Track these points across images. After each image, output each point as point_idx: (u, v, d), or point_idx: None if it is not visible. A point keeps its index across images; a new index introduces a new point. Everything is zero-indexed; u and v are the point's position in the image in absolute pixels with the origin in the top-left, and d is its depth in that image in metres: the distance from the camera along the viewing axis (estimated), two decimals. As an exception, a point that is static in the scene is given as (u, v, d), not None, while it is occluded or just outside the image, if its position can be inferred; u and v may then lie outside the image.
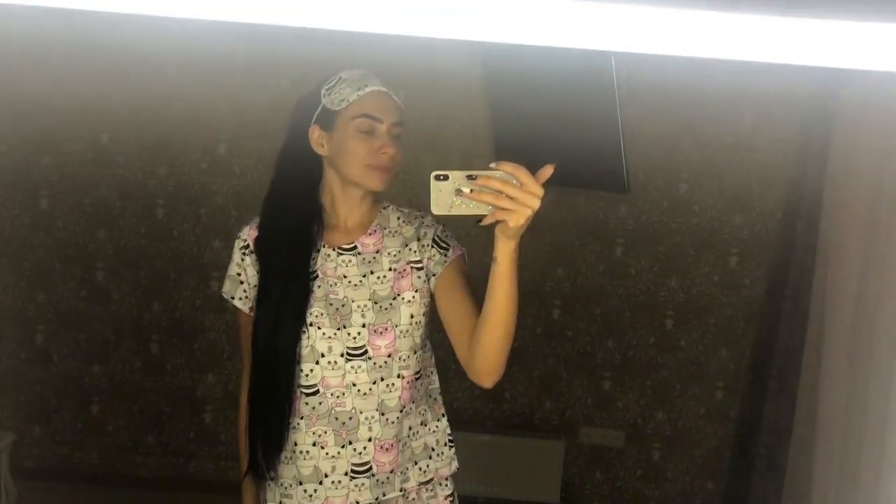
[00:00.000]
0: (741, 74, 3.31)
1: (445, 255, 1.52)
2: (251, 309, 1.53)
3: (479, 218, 1.16)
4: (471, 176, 1.14)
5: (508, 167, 1.14)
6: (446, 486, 1.61)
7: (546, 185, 1.17)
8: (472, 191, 1.14)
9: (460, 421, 3.50)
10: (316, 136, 1.48)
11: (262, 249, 1.51)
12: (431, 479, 1.58)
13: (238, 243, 1.56)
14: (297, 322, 1.46)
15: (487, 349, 1.36)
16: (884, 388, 2.63)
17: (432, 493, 1.59)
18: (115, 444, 3.61)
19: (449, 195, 1.15)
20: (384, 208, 1.59)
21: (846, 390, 2.87)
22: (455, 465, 1.63)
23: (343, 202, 1.52)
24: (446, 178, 1.15)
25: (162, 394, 3.59)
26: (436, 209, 1.16)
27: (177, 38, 3.21)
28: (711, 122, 3.38)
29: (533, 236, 3.43)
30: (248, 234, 1.55)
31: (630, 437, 3.59)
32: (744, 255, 3.47)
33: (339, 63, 1.54)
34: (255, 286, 1.52)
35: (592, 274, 3.52)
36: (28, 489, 2.99)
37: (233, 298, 1.57)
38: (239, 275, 1.55)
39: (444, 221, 1.51)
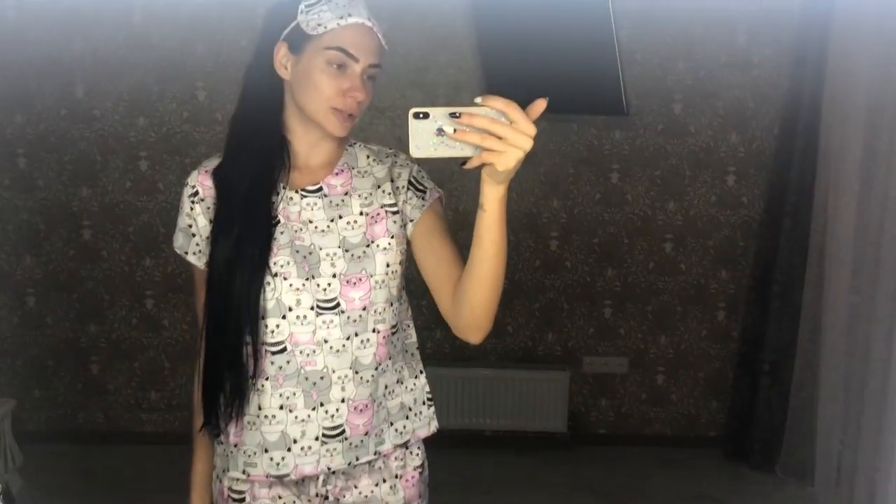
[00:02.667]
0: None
1: (423, 199, 1.37)
2: (206, 264, 1.36)
3: (464, 160, 1.04)
4: (454, 114, 1.01)
5: (497, 102, 1.00)
6: (417, 455, 1.49)
7: (539, 118, 1.04)
8: (455, 130, 1.01)
9: (462, 358, 3.49)
10: (281, 54, 1.31)
11: (220, 180, 1.35)
12: (408, 441, 1.46)
13: (186, 190, 1.38)
14: (258, 271, 1.31)
15: (475, 303, 1.22)
16: (889, 298, 2.62)
17: (402, 463, 1.46)
18: (118, 403, 3.59)
19: (430, 135, 1.02)
20: (350, 145, 1.42)
21: (850, 302, 2.87)
22: (434, 425, 1.50)
23: (302, 137, 1.36)
24: (426, 116, 1.02)
25: (161, 349, 3.55)
26: (415, 151, 1.03)
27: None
28: (704, 39, 3.31)
29: (526, 167, 3.35)
30: (197, 178, 1.38)
31: (633, 363, 3.60)
32: (741, 173, 3.43)
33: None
34: (207, 238, 1.36)
35: (588, 203, 3.47)
36: (33, 452, 2.96)
37: (186, 254, 1.40)
38: (190, 226, 1.39)
39: (424, 164, 1.34)
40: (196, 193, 1.37)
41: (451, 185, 3.26)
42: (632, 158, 3.42)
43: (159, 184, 3.40)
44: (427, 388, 1.50)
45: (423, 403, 1.49)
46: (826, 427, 2.96)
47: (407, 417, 1.46)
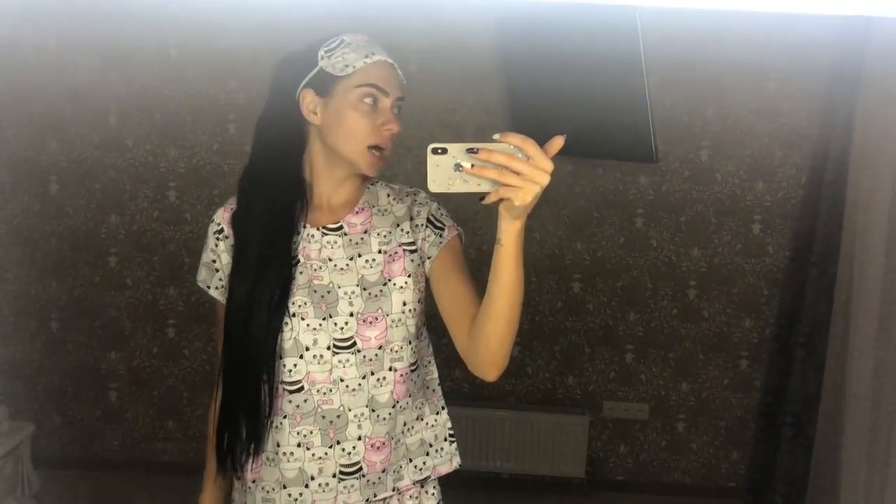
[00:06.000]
0: (764, 38, 3.23)
1: (441, 236, 1.38)
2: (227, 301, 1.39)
3: (482, 196, 1.05)
4: (472, 149, 1.03)
5: (514, 139, 1.02)
6: (433, 494, 1.49)
7: (562, 157, 1.06)
8: (473, 166, 1.03)
9: (482, 398, 3.46)
10: (308, 100, 1.33)
11: (237, 227, 1.37)
12: (428, 477, 1.46)
13: (212, 227, 1.42)
14: (277, 311, 1.32)
15: (491, 339, 1.22)
16: (918, 353, 2.56)
17: (417, 502, 1.46)
18: (135, 431, 3.59)
19: (448, 171, 1.04)
20: (372, 184, 1.45)
21: (876, 357, 2.81)
22: (457, 461, 1.50)
23: (326, 178, 1.38)
24: (444, 151, 1.04)
25: (180, 378, 3.55)
26: (433, 186, 1.05)
27: (177, 13, 3.16)
28: (733, 87, 3.31)
29: (551, 209, 3.40)
30: (222, 216, 1.41)
31: (654, 410, 3.55)
32: (767, 222, 3.40)
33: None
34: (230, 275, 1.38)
35: (613, 246, 3.46)
36: (49, 479, 2.96)
37: (208, 288, 1.43)
38: (214, 261, 1.41)
39: (443, 199, 1.36)
40: (221, 231, 1.41)
41: (475, 224, 3.27)
42: (657, 204, 3.41)
43: (187, 214, 3.44)
44: (449, 425, 1.50)
45: (445, 440, 1.49)
46: (850, 482, 2.89)
47: (427, 454, 1.46)
